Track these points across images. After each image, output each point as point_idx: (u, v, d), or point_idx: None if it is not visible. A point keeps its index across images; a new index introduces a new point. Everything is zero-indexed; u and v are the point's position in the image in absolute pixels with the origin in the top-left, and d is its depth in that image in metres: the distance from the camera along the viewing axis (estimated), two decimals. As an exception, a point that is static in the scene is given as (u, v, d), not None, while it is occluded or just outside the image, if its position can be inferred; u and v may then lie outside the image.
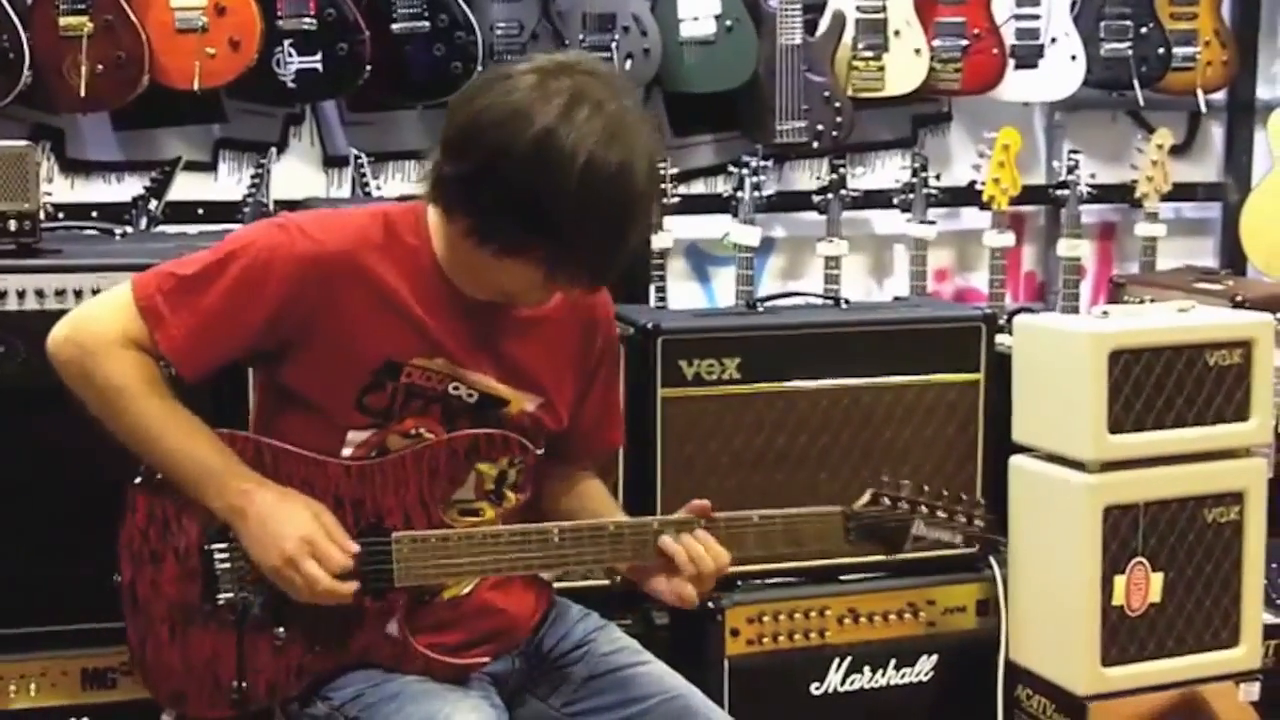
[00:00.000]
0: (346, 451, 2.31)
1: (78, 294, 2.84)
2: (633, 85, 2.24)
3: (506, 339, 2.34)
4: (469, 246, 2.20)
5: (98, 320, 2.26)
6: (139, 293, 2.25)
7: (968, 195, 4.42)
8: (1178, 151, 4.72)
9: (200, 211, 3.91)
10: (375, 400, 2.29)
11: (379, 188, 3.97)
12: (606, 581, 3.24)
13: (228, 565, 2.29)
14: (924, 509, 2.45)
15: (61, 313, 2.74)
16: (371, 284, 2.26)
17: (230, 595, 2.29)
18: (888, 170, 4.50)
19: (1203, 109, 4.61)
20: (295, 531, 2.21)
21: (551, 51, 2.21)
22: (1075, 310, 4.27)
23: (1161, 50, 4.44)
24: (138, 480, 2.30)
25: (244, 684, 2.31)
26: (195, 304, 2.23)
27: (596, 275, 2.25)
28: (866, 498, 2.44)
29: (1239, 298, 3.96)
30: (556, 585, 2.63)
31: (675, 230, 4.08)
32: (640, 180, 2.14)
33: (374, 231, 2.29)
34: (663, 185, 2.24)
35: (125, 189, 3.87)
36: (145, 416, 2.23)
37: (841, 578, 3.42)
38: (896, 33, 4.20)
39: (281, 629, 2.30)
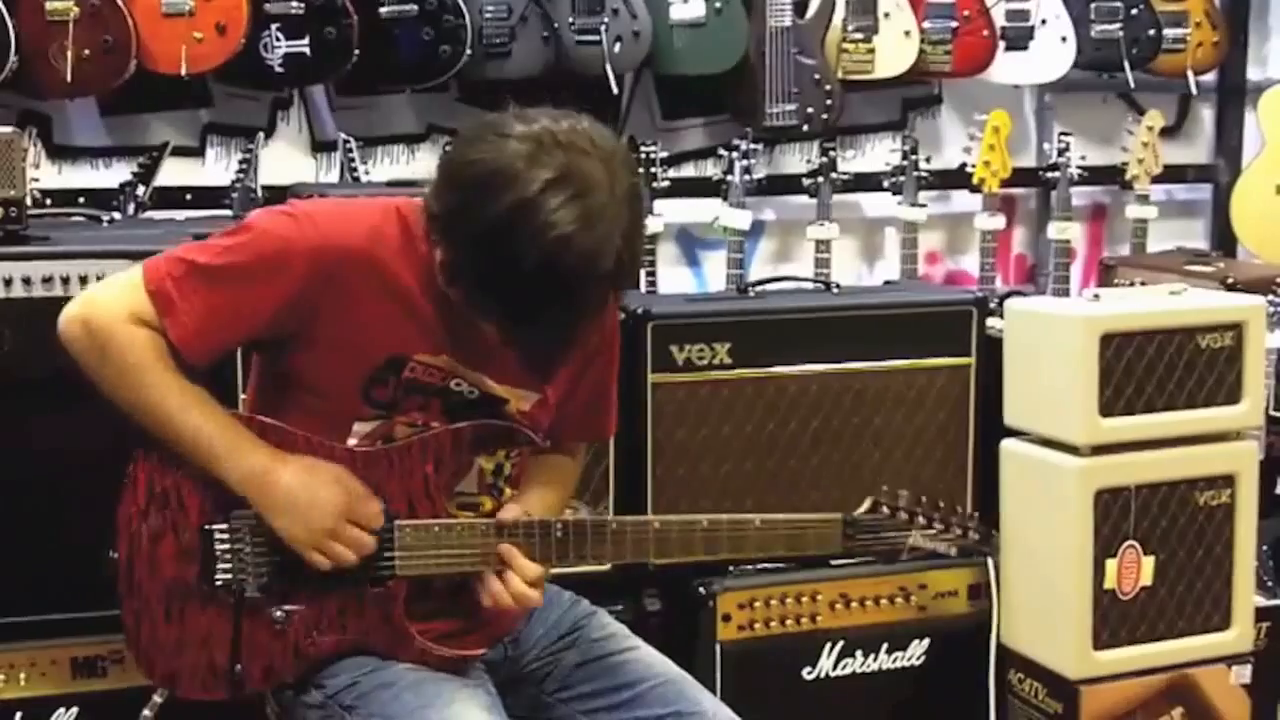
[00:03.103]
0: (352, 441, 2.30)
1: (65, 281, 2.82)
2: (633, 165, 2.17)
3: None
4: (443, 278, 2.19)
5: (108, 300, 2.24)
6: (150, 277, 2.23)
7: (958, 178, 4.43)
8: (1168, 133, 4.73)
9: (188, 197, 3.90)
10: (380, 393, 2.29)
11: (367, 172, 3.96)
12: (601, 567, 3.25)
13: (227, 546, 2.28)
14: (921, 520, 2.47)
15: (49, 300, 2.77)
16: (383, 280, 2.24)
17: (229, 576, 2.28)
18: (878, 153, 4.49)
19: (1193, 90, 4.61)
20: (329, 501, 2.22)
21: (558, 117, 2.13)
22: (1066, 293, 4.28)
23: (1152, 32, 4.44)
24: (139, 456, 2.28)
25: (240, 666, 2.30)
26: (206, 292, 2.21)
27: (537, 363, 2.25)
28: (867, 505, 2.46)
29: (1230, 280, 3.96)
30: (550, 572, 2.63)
31: (665, 214, 4.08)
32: (601, 276, 2.08)
33: (388, 228, 2.26)
34: (628, 283, 2.21)
35: (113, 175, 3.86)
36: (160, 390, 2.21)
37: (833, 562, 3.41)
38: (886, 15, 4.19)
39: (280, 612, 2.29)
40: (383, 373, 2.27)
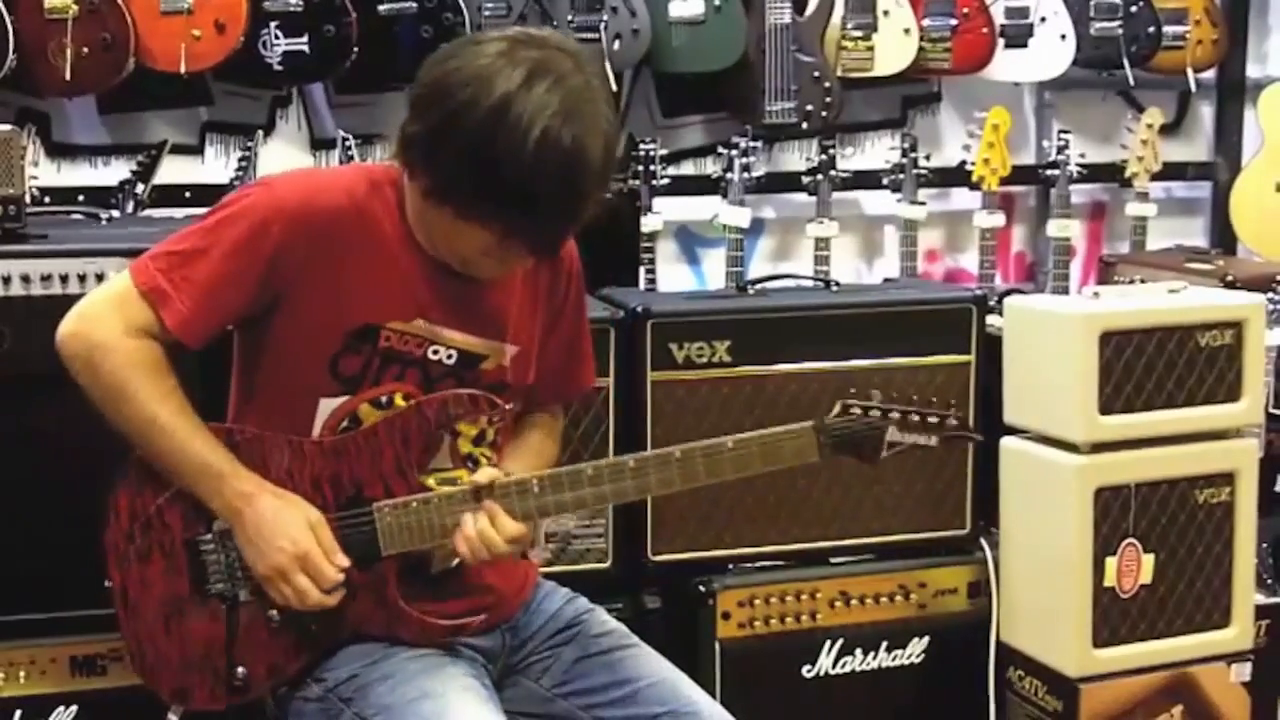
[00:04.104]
0: (319, 420, 2.33)
1: (64, 279, 2.82)
2: (601, 63, 2.27)
3: (480, 293, 2.37)
4: (428, 206, 2.24)
5: (101, 314, 2.27)
6: (139, 279, 2.27)
7: (958, 176, 4.42)
8: (1168, 131, 4.72)
9: (187, 195, 3.88)
10: (348, 365, 2.31)
11: (367, 170, 3.94)
12: (601, 565, 3.26)
13: (214, 556, 2.32)
14: (896, 414, 2.43)
15: (48, 298, 2.77)
16: (356, 242, 2.29)
17: (221, 586, 2.32)
18: (877, 151, 4.48)
19: (1193, 88, 4.60)
20: (290, 544, 2.25)
21: (525, 26, 2.22)
22: (1065, 291, 4.27)
23: (1151, 29, 4.43)
24: (117, 484, 2.33)
25: (242, 670, 2.33)
26: (195, 274, 2.25)
27: (545, 246, 2.30)
28: (837, 409, 2.43)
29: (1230, 278, 3.95)
30: (548, 569, 2.63)
31: (664, 212, 4.07)
32: (594, 158, 2.16)
33: (360, 191, 2.32)
34: (618, 164, 2.28)
35: (112, 173, 3.85)
36: (149, 412, 2.25)
37: (833, 560, 3.42)
38: (886, 12, 4.18)
39: (274, 611, 2.32)
40: (356, 341, 2.30)
